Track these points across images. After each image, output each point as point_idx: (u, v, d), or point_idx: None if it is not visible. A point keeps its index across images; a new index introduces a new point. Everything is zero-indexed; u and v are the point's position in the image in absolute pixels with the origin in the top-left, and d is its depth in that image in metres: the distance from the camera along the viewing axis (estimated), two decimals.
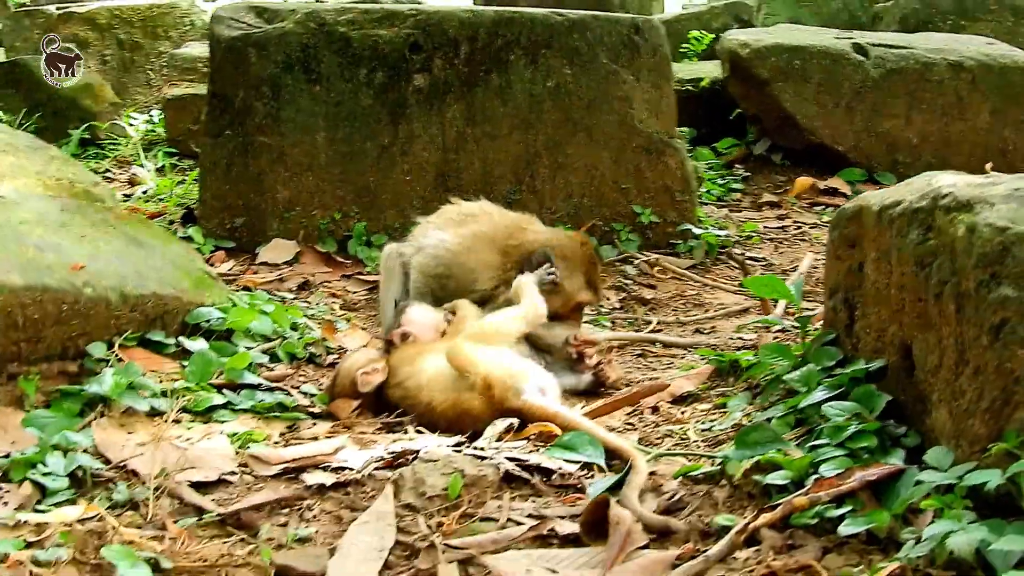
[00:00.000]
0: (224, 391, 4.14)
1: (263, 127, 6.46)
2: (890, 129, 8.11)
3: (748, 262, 6.55)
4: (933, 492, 2.79)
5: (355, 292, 5.96)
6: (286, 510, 3.36)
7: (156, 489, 3.38)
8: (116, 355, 4.11)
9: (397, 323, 4.47)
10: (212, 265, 5.89)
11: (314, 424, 4.15)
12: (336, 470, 3.55)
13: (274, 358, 4.64)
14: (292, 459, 3.63)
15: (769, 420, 3.46)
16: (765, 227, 7.34)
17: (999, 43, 8.93)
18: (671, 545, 3.00)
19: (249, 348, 4.48)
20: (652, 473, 3.41)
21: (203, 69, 8.47)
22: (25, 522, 3.14)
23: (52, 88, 8.94)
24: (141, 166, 8.20)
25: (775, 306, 5.21)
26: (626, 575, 2.86)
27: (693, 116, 8.73)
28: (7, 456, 3.46)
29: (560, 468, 3.50)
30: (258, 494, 3.41)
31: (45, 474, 3.39)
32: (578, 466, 3.54)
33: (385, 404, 4.26)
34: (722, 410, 3.93)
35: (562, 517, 3.21)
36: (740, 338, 5.10)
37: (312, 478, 3.50)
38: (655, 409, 4.15)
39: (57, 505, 3.28)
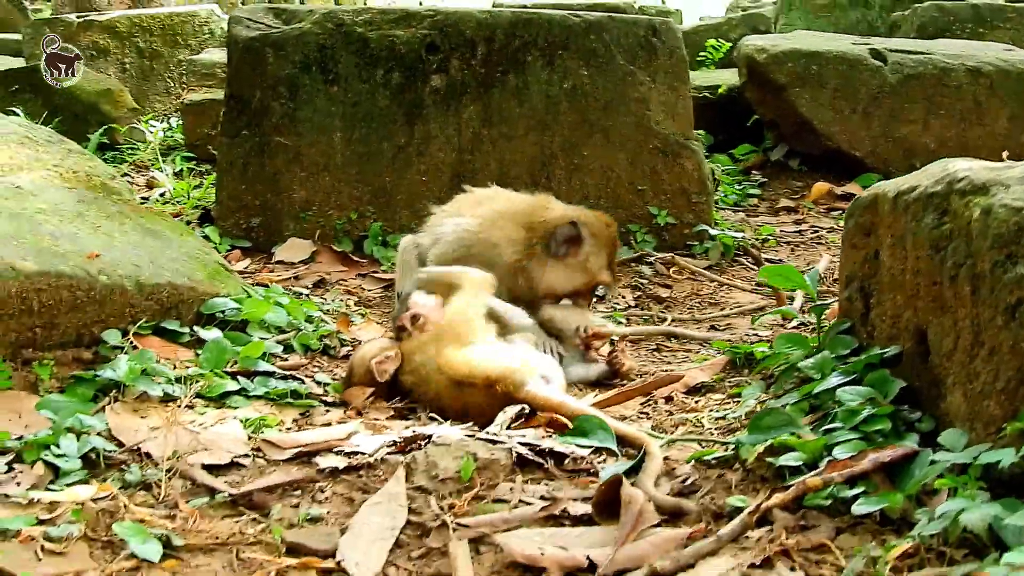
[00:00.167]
0: (238, 378, 4.15)
1: (280, 127, 6.49)
2: (908, 134, 8.08)
3: (765, 262, 6.54)
4: (947, 472, 2.77)
5: (370, 290, 5.97)
6: (298, 491, 3.36)
7: (168, 471, 3.39)
8: (131, 343, 4.13)
9: (404, 308, 4.47)
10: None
11: (327, 411, 4.15)
12: (349, 454, 3.54)
13: (288, 349, 4.64)
14: (305, 444, 3.63)
15: (783, 407, 3.44)
16: (782, 231, 7.32)
17: (1018, 49, 8.91)
18: (683, 526, 2.99)
19: (264, 339, 4.48)
20: (665, 458, 3.41)
21: (221, 75, 8.51)
22: (38, 500, 3.16)
23: (71, 93, 9.01)
24: (160, 170, 8.23)
25: (791, 300, 5.19)
26: (637, 553, 2.84)
27: (710, 123, 8.74)
28: (20, 438, 3.47)
29: (573, 452, 3.50)
30: (270, 476, 3.41)
31: (58, 455, 3.40)
32: (591, 451, 3.54)
33: (399, 390, 4.26)
34: (736, 399, 3.92)
35: (574, 499, 3.20)
36: (756, 334, 5.08)
37: (325, 461, 3.49)
38: (669, 399, 4.14)
39: (70, 485, 3.29)
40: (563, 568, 2.85)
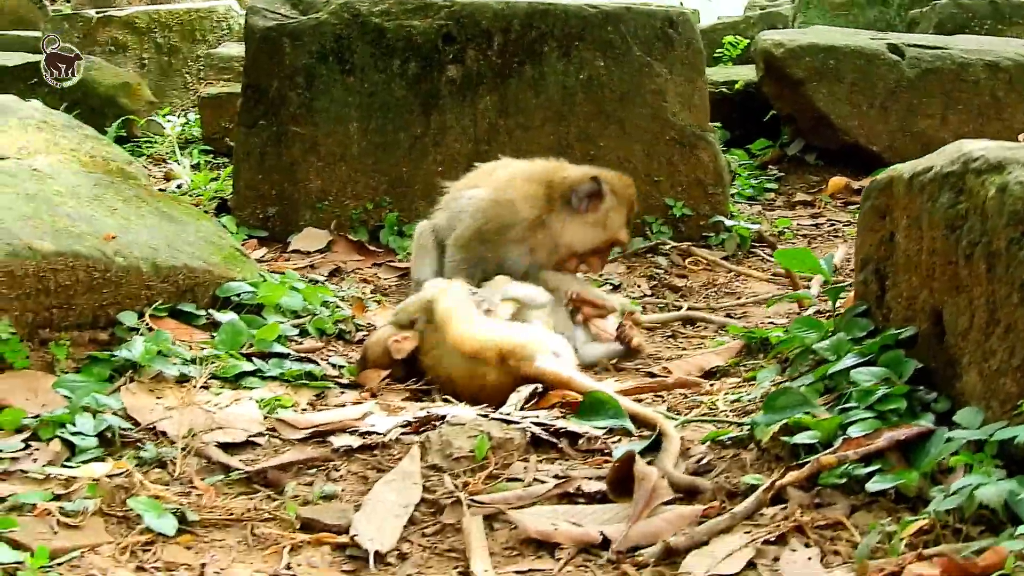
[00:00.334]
0: (253, 360, 4.16)
1: (297, 117, 6.50)
2: (925, 129, 8.03)
3: None
4: (962, 449, 2.76)
5: (386, 279, 5.98)
6: (313, 470, 3.37)
7: (184, 449, 3.40)
8: (147, 324, 4.14)
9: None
10: None
11: (342, 393, 4.16)
12: (363, 434, 3.56)
13: (303, 333, 4.65)
14: (320, 423, 3.64)
15: (798, 388, 3.43)
16: (798, 224, 7.30)
17: None
18: (698, 504, 2.99)
19: (279, 322, 4.49)
20: (680, 439, 3.40)
21: (239, 68, 8.51)
22: (54, 476, 3.18)
23: (89, 86, 9.04)
24: (177, 162, 8.25)
25: (807, 287, 5.18)
26: (651, 529, 2.85)
27: (727, 118, 8.71)
28: (37, 416, 3.49)
29: (587, 433, 3.50)
30: (285, 455, 3.43)
31: (74, 433, 3.42)
32: (604, 431, 3.54)
33: (417, 372, 4.26)
34: (751, 383, 3.91)
35: (588, 478, 3.21)
36: (772, 322, 5.07)
37: (339, 441, 3.51)
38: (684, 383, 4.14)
39: (86, 462, 3.31)
40: (577, 544, 2.85)
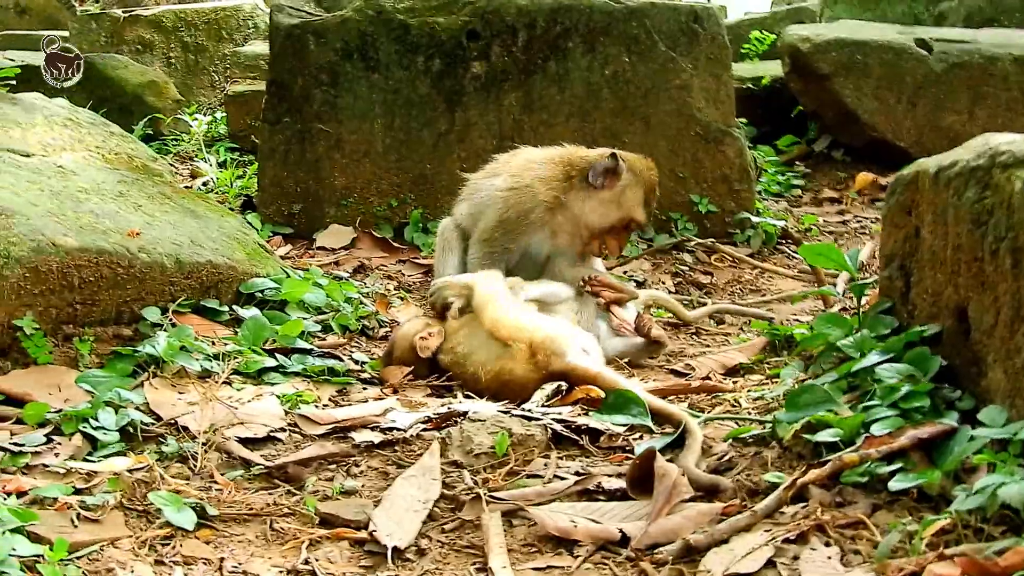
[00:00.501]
0: (276, 355, 4.16)
1: (321, 114, 6.50)
2: (953, 124, 7.96)
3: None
4: (986, 448, 2.73)
5: (410, 275, 5.97)
6: (333, 465, 3.38)
7: (205, 444, 3.41)
8: (170, 320, 4.16)
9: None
10: None
11: (364, 389, 4.16)
12: (384, 430, 3.56)
13: (327, 329, 4.66)
14: (341, 419, 3.65)
15: (821, 385, 3.40)
16: (825, 221, 7.26)
17: None
18: (718, 502, 2.97)
19: (302, 319, 4.49)
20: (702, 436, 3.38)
21: (264, 66, 8.51)
22: (75, 470, 3.19)
23: (117, 85, 9.09)
24: (203, 160, 8.28)
25: (833, 285, 5.16)
26: (671, 527, 2.83)
27: (753, 114, 8.66)
28: (60, 411, 3.51)
29: (608, 429, 3.49)
30: (306, 450, 3.43)
31: (96, 428, 3.45)
32: (626, 428, 3.53)
33: (438, 369, 4.26)
34: (774, 380, 3.89)
35: (609, 475, 3.20)
36: (797, 319, 5.04)
37: (360, 436, 3.51)
38: (706, 379, 4.11)
39: (107, 457, 3.33)
40: (595, 540, 2.84)
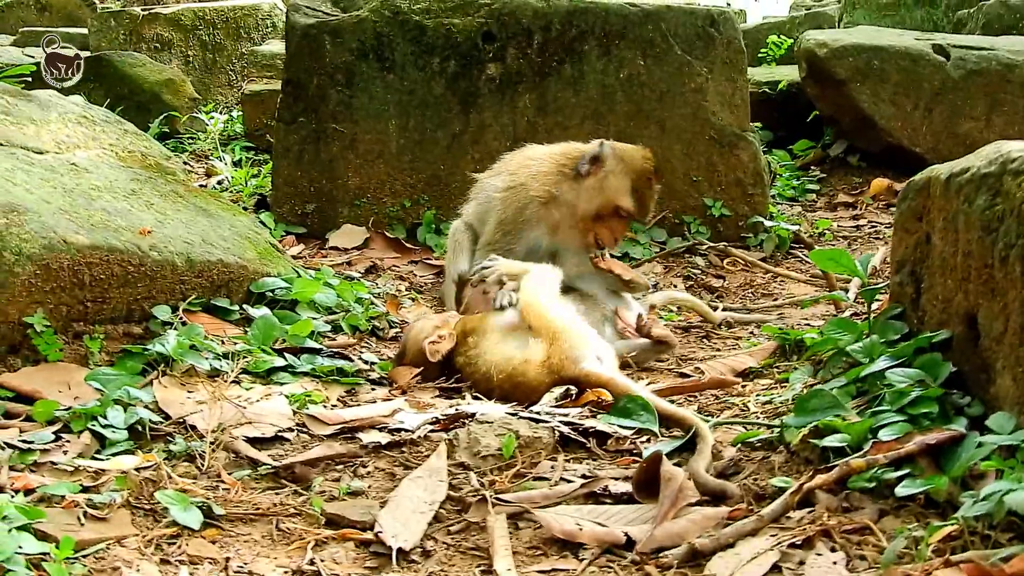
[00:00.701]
0: (285, 355, 4.17)
1: (336, 114, 6.52)
2: (969, 131, 7.94)
3: None
4: (994, 455, 2.72)
5: (422, 276, 5.98)
6: (340, 466, 3.38)
7: (213, 443, 3.41)
8: (180, 319, 4.16)
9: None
10: None
11: (373, 389, 4.17)
12: (392, 431, 3.56)
13: (337, 329, 4.66)
14: (349, 420, 3.64)
15: (830, 390, 3.39)
16: (839, 225, 7.24)
17: None
18: (725, 506, 2.96)
19: (313, 318, 4.50)
20: None
21: (281, 66, 8.55)
22: (83, 468, 3.20)
23: (135, 82, 9.13)
24: (219, 158, 8.30)
25: (845, 291, 5.14)
26: (676, 531, 2.83)
27: (770, 119, 8.65)
28: (69, 409, 3.51)
29: (616, 433, 3.48)
30: (313, 450, 3.43)
31: (105, 426, 3.45)
32: (633, 431, 3.52)
33: (451, 370, 4.26)
34: (784, 384, 3.88)
35: (616, 478, 3.19)
36: (808, 324, 5.03)
37: (368, 437, 3.51)
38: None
39: (115, 455, 3.33)
40: (601, 544, 2.84)
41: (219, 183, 7.66)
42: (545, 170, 4.97)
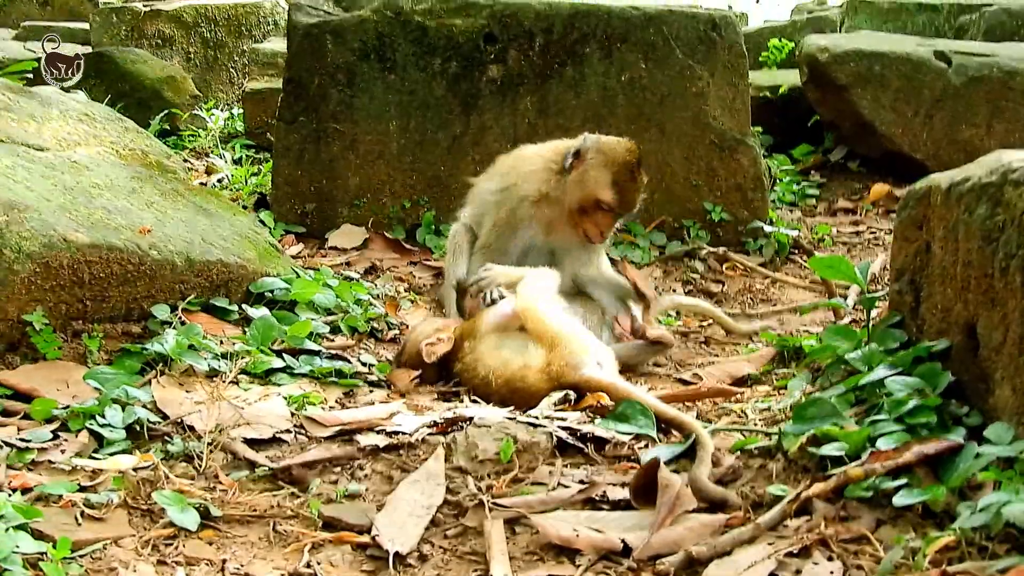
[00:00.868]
0: (284, 356, 4.17)
1: (337, 114, 6.51)
2: (971, 138, 7.93)
3: None
4: (992, 465, 2.73)
5: (421, 277, 5.97)
6: (338, 468, 3.37)
7: (210, 443, 3.42)
8: (179, 318, 4.16)
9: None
10: None
11: (371, 391, 4.17)
12: (390, 433, 3.55)
13: (336, 330, 4.66)
14: (347, 422, 3.64)
15: (828, 398, 3.39)
16: (838, 231, 7.24)
17: None
18: (722, 513, 2.96)
19: (311, 319, 4.50)
20: None
21: (283, 64, 8.54)
22: (80, 468, 3.20)
23: (136, 79, 9.11)
24: (219, 156, 8.29)
25: (844, 298, 5.14)
26: (673, 538, 2.83)
27: (770, 123, 8.63)
28: (67, 407, 3.51)
29: (614, 438, 3.48)
30: (311, 452, 3.43)
31: (103, 425, 3.46)
32: (631, 437, 3.52)
33: (448, 373, 4.25)
34: (782, 391, 3.88)
35: (613, 484, 3.19)
36: (807, 330, 5.03)
37: (365, 440, 3.50)
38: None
39: (113, 454, 3.33)
40: (598, 550, 2.84)
41: (219, 181, 7.65)
42: (535, 169, 4.98)
